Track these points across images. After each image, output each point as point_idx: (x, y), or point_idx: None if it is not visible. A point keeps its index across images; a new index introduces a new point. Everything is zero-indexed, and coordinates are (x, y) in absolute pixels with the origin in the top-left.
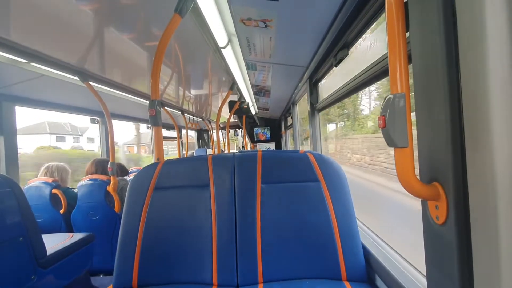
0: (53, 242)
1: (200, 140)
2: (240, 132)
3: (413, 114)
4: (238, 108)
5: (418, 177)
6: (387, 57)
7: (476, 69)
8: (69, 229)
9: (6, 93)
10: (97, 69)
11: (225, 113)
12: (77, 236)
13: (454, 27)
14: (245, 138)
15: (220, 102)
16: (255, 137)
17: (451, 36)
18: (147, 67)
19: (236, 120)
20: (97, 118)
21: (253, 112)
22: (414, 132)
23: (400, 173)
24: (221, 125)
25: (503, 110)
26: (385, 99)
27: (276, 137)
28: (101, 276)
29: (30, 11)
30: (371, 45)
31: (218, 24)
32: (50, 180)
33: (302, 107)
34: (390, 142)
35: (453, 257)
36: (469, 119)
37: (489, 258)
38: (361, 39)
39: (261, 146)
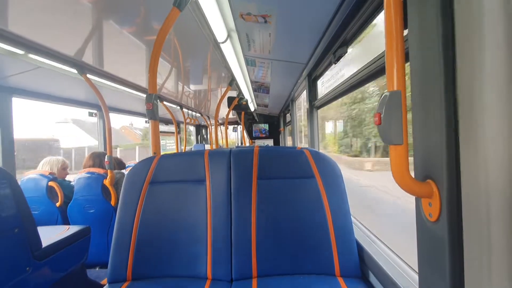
0: (49, 235)
1: (199, 136)
2: (238, 128)
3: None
4: (237, 104)
5: (413, 174)
6: (384, 55)
7: (473, 69)
8: (65, 221)
9: (2, 84)
10: (95, 61)
11: (224, 109)
12: (73, 228)
13: (452, 26)
14: (243, 134)
15: (219, 98)
16: (253, 133)
17: (448, 35)
18: (145, 61)
19: (235, 116)
20: (95, 111)
21: (252, 109)
22: (410, 129)
23: (395, 170)
24: (220, 121)
25: (498, 109)
26: (381, 96)
27: (274, 134)
28: (97, 269)
29: (27, 2)
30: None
31: (217, 19)
32: (47, 172)
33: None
34: (385, 139)
35: (444, 254)
36: (464, 118)
37: (480, 255)
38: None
39: (259, 143)
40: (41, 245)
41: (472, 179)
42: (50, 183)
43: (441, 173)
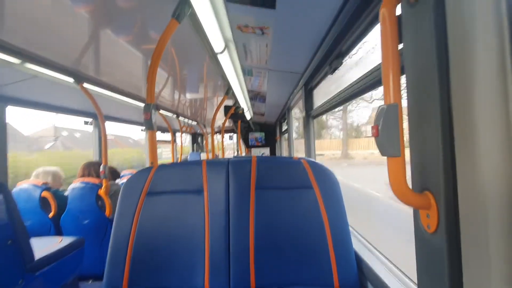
0: (42, 246)
1: (195, 144)
2: (235, 136)
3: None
4: (234, 112)
5: (410, 186)
6: (380, 68)
7: (467, 82)
8: (58, 232)
9: None
10: (92, 71)
11: (220, 118)
12: (67, 240)
13: (446, 40)
14: (240, 143)
15: (215, 107)
16: (249, 141)
17: (442, 50)
18: (142, 71)
19: (231, 125)
20: (90, 120)
21: (248, 117)
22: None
23: (393, 181)
24: (216, 130)
25: (493, 121)
26: (378, 109)
27: (271, 142)
28: (90, 281)
29: (24, 12)
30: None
31: (215, 30)
32: (40, 182)
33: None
34: (383, 151)
35: (443, 265)
36: (459, 130)
37: (479, 267)
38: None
39: (255, 151)
40: (34, 257)
41: (468, 191)
42: (44, 193)
43: (438, 185)
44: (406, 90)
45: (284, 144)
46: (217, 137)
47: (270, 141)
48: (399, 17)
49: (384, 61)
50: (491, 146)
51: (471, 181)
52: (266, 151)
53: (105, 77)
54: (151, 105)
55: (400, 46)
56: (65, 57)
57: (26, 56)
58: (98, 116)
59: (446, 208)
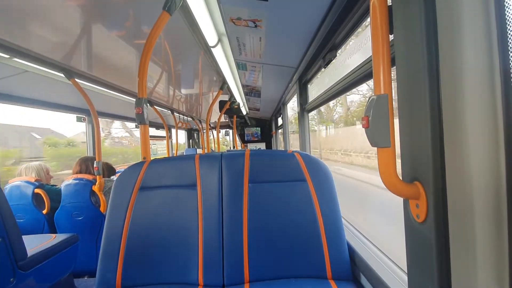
0: (35, 244)
1: (190, 140)
2: (230, 132)
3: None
4: (229, 108)
5: (400, 176)
6: (371, 60)
7: (455, 73)
8: (52, 230)
9: None
10: (83, 66)
11: (216, 113)
12: (60, 237)
13: (435, 32)
14: (235, 138)
15: (210, 102)
16: (245, 137)
17: (432, 40)
18: (135, 65)
19: (227, 120)
20: (84, 116)
21: (244, 112)
22: (397, 132)
23: (383, 172)
24: (212, 125)
25: (479, 113)
26: (368, 100)
27: (266, 137)
28: (86, 278)
29: (12, 5)
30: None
31: (207, 23)
32: (33, 179)
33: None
34: (373, 142)
35: (432, 254)
36: (448, 122)
37: (466, 255)
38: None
39: (251, 146)
40: (26, 254)
41: (456, 181)
42: (36, 190)
43: (428, 175)
44: (396, 81)
45: (280, 138)
46: (213, 133)
47: (266, 136)
48: (390, 7)
49: (374, 51)
50: (479, 137)
51: (460, 172)
52: (262, 146)
53: (97, 72)
54: (143, 99)
55: (391, 37)
56: (56, 51)
57: (14, 50)
58: (91, 112)
59: (435, 198)
